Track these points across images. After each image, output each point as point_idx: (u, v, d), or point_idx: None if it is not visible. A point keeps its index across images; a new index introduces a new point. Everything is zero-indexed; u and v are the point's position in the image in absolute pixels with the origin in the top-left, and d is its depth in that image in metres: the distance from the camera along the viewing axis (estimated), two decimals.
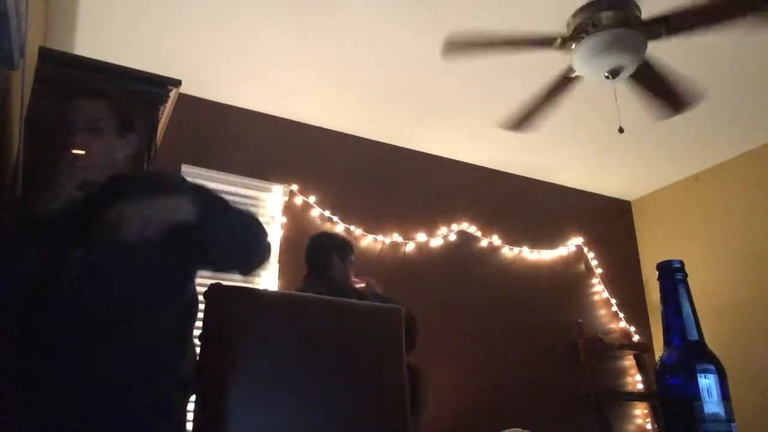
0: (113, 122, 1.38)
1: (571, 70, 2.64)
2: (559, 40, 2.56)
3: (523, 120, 3.01)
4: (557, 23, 2.61)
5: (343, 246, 2.69)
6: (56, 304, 1.21)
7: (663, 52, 2.61)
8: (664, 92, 2.76)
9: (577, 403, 3.90)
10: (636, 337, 4.33)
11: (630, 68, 2.51)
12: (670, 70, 2.67)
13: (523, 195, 4.41)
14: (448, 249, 3.95)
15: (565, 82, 2.73)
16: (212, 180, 3.33)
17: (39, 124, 1.74)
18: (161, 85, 2.01)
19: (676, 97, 2.81)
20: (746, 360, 3.71)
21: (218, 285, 1.21)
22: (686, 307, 0.83)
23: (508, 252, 4.17)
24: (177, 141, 3.08)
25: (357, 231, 3.69)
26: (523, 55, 2.71)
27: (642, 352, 4.25)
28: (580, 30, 2.49)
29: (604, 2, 2.46)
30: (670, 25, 2.47)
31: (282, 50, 3.09)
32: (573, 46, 2.53)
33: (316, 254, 2.65)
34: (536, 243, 4.29)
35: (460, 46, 2.56)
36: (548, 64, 2.71)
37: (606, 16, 2.46)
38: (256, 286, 3.23)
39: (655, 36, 2.49)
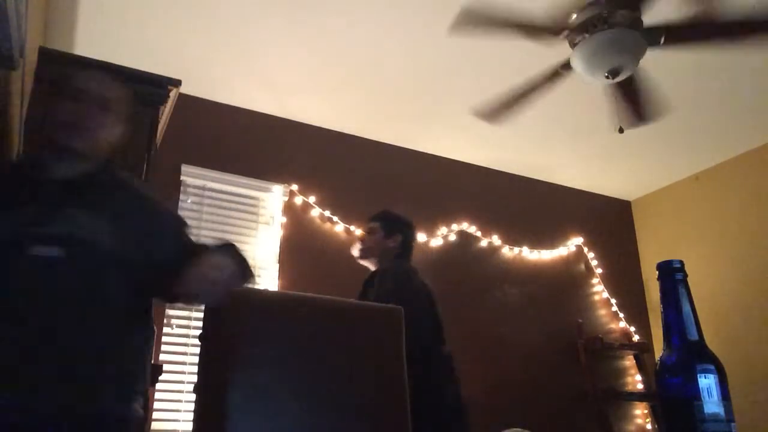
0: (122, 107, 1.44)
1: (566, 66, 2.63)
2: (563, 34, 2.56)
3: (498, 111, 2.94)
4: (561, 20, 2.61)
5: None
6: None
7: (661, 52, 2.61)
8: (633, 101, 2.78)
9: (577, 403, 3.90)
10: (636, 337, 4.33)
11: (630, 69, 2.51)
12: (647, 80, 2.70)
13: (523, 195, 4.41)
14: (448, 249, 3.95)
15: (555, 76, 2.70)
16: (212, 180, 3.33)
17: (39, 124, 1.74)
18: (161, 85, 2.01)
19: (641, 109, 2.84)
20: (746, 360, 3.71)
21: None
22: (686, 307, 0.83)
23: (508, 252, 4.17)
24: (177, 141, 3.08)
25: (357, 231, 3.68)
26: (525, 56, 2.71)
27: (642, 352, 4.24)
28: (582, 29, 2.49)
29: (607, 2, 2.46)
30: (670, 34, 2.48)
31: (282, 50, 3.09)
32: (575, 43, 2.53)
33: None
34: (536, 243, 4.29)
35: (473, 20, 2.53)
36: (549, 66, 2.71)
37: (608, 15, 2.45)
38: (256, 287, 3.24)
39: (653, 43, 2.49)
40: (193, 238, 1.42)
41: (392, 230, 2.62)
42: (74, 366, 1.19)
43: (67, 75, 1.40)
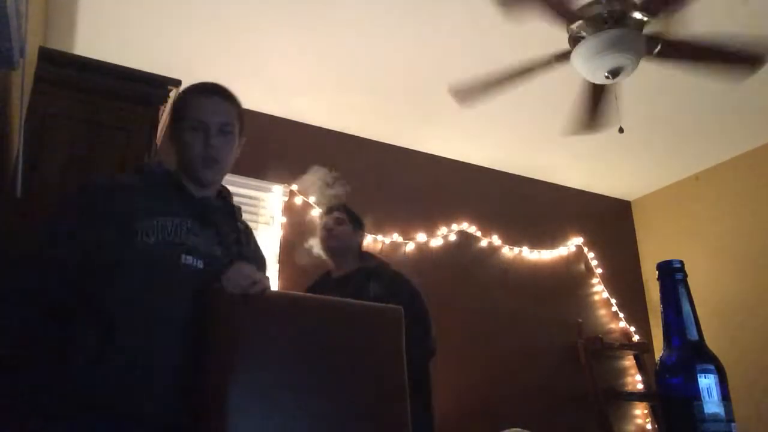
0: (237, 126, 1.57)
1: (561, 57, 2.61)
2: (558, 56, 2.57)
3: (474, 91, 2.85)
4: (558, 24, 2.61)
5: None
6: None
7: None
8: (725, 57, 2.61)
9: (577, 403, 3.90)
10: (636, 337, 4.33)
11: (630, 68, 2.51)
12: (718, 35, 2.52)
13: (523, 195, 4.41)
14: (448, 249, 3.95)
15: (541, 65, 2.67)
16: None
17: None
18: (161, 85, 2.01)
19: (744, 57, 2.61)
20: (746, 360, 3.71)
21: (218, 286, 1.21)
22: (686, 307, 0.83)
23: (508, 252, 4.17)
24: None
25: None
26: (524, 56, 2.70)
27: (642, 352, 4.24)
28: (591, 23, 2.48)
29: (605, 3, 2.46)
30: (664, 47, 2.51)
31: (282, 50, 3.09)
32: (575, 44, 2.53)
33: None
34: (536, 243, 4.29)
35: (468, 92, 2.57)
36: (553, 67, 2.71)
37: (608, 16, 2.46)
38: None
39: (648, 51, 2.51)
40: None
41: (359, 225, 2.50)
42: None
43: (185, 106, 1.47)
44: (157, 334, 1.19)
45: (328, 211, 2.53)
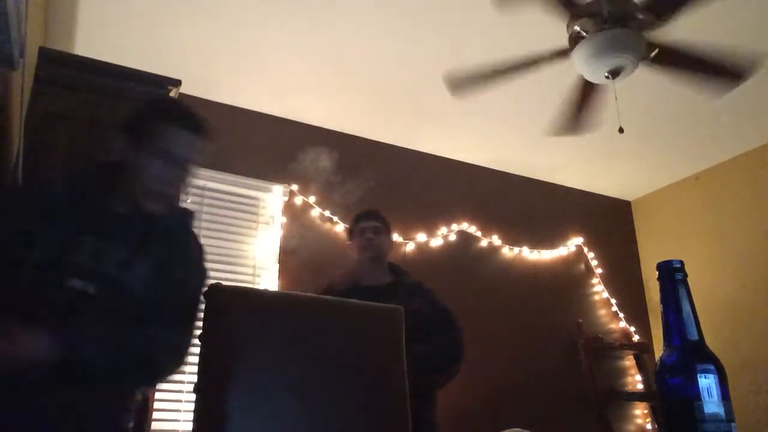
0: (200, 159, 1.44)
1: (561, 53, 2.61)
2: (556, 53, 2.57)
3: (469, 82, 2.78)
4: (558, 23, 2.61)
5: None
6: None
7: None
8: (710, 69, 2.64)
9: (577, 403, 3.90)
10: (636, 337, 4.33)
11: (630, 68, 2.51)
12: (707, 45, 2.56)
13: (523, 195, 4.41)
14: (448, 249, 3.95)
15: (538, 61, 2.66)
16: (212, 180, 3.33)
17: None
18: (161, 85, 2.01)
19: (728, 70, 2.65)
20: (746, 360, 3.71)
21: (218, 286, 1.21)
22: (686, 307, 0.83)
23: (508, 252, 4.17)
24: None
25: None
26: (524, 54, 2.70)
27: (642, 352, 4.24)
28: (581, 31, 2.49)
29: (606, 3, 2.46)
30: (660, 52, 2.51)
31: (282, 50, 3.09)
32: (575, 44, 2.53)
33: None
34: (536, 243, 4.29)
35: (463, 82, 2.56)
36: (552, 66, 2.70)
37: (607, 16, 2.46)
38: (256, 287, 3.24)
39: (644, 56, 2.52)
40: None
41: (390, 231, 2.47)
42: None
43: (156, 131, 1.35)
44: None
45: (365, 217, 2.42)
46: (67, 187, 1.33)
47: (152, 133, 1.34)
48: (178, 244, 1.40)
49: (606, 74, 2.48)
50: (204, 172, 3.30)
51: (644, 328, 4.42)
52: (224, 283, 1.25)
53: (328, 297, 1.41)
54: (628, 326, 4.36)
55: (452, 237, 4.00)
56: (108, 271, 1.24)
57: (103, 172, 1.36)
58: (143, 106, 1.44)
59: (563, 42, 2.59)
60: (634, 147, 4.00)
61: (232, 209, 3.41)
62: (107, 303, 1.21)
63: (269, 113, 3.63)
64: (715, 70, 2.57)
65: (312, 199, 3.60)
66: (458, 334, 2.33)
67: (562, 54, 2.59)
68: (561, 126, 2.95)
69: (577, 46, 2.50)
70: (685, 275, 0.85)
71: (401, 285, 2.33)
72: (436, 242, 3.93)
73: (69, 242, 1.22)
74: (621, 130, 2.73)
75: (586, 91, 2.72)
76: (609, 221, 4.72)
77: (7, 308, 1.16)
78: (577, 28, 2.52)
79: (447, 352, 2.23)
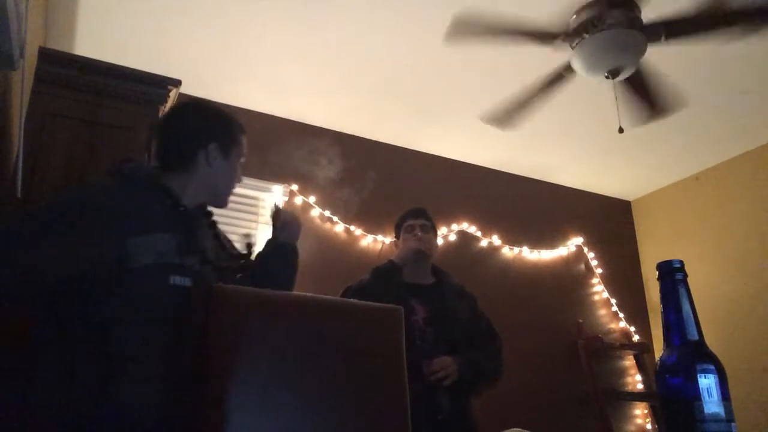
0: None
1: (568, 68, 2.64)
2: (562, 36, 2.56)
3: (507, 115, 2.95)
4: (559, 23, 2.61)
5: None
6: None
7: (660, 52, 2.61)
8: (647, 96, 2.78)
9: (577, 403, 3.90)
10: (636, 337, 4.33)
11: (630, 68, 2.51)
12: (658, 75, 2.69)
13: (523, 195, 4.41)
14: (448, 249, 3.95)
15: (558, 78, 2.71)
16: None
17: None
18: (161, 85, 2.01)
19: (657, 102, 2.83)
20: (746, 360, 3.71)
21: (218, 285, 1.21)
22: (686, 307, 0.83)
23: (508, 252, 4.17)
24: None
25: (357, 231, 3.69)
26: (523, 56, 2.71)
27: (642, 352, 4.24)
28: (582, 29, 2.49)
29: (606, 2, 2.46)
30: (670, 29, 2.48)
31: (282, 50, 3.09)
32: (575, 44, 2.53)
33: None
34: (536, 243, 4.29)
35: (466, 28, 2.52)
36: (548, 65, 2.71)
37: (607, 16, 2.46)
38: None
39: (654, 40, 2.49)
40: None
41: (437, 231, 2.45)
42: None
43: (240, 141, 1.73)
44: (158, 371, 1.17)
45: (413, 214, 2.40)
46: (134, 182, 1.40)
47: (240, 143, 1.70)
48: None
49: (606, 74, 2.48)
50: None
51: (644, 328, 4.42)
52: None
53: (328, 297, 1.41)
54: (628, 326, 4.36)
55: (452, 237, 4.00)
56: (193, 263, 1.32)
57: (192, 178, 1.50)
58: (229, 119, 1.70)
59: (564, 42, 2.59)
60: (634, 147, 4.00)
61: (232, 209, 3.39)
62: (201, 294, 1.26)
63: (269, 113, 3.63)
64: (732, 18, 2.44)
65: (312, 199, 3.60)
66: (501, 344, 2.34)
67: (570, 69, 2.61)
68: (641, 114, 2.95)
69: (577, 46, 2.51)
70: (685, 275, 0.85)
71: (447, 287, 2.32)
72: None
73: (161, 242, 1.28)
74: (621, 130, 2.73)
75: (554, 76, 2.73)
76: (609, 221, 4.72)
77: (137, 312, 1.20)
78: (575, 30, 2.52)
79: (493, 360, 2.27)
